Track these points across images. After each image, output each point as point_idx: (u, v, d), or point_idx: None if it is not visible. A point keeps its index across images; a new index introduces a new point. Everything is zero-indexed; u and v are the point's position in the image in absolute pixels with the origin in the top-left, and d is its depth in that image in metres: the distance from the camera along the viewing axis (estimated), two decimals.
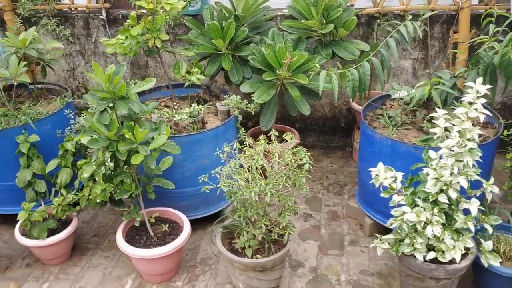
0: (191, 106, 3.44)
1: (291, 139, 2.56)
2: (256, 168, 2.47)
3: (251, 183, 2.38)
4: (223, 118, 3.26)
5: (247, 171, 2.45)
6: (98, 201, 2.73)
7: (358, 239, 3.29)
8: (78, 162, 2.85)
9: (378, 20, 3.74)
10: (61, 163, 3.06)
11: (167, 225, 2.96)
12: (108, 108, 2.53)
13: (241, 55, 3.42)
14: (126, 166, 2.70)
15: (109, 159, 2.64)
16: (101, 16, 4.10)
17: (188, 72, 3.22)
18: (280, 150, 2.50)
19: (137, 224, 2.89)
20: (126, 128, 2.45)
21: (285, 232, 2.54)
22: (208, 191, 2.56)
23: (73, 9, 4.18)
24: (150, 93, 3.68)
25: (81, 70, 4.40)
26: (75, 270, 3.07)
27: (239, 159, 2.53)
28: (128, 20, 3.17)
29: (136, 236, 2.94)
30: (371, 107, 3.36)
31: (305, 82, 3.14)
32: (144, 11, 3.12)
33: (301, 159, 2.44)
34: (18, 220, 3.18)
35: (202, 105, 3.47)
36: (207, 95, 3.66)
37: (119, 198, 2.78)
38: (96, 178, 2.73)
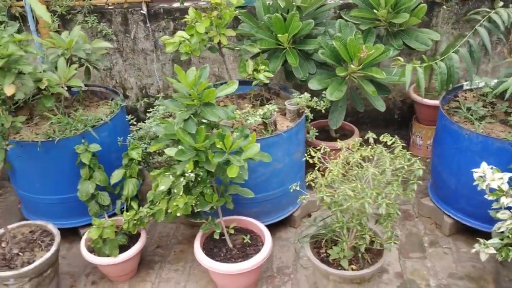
0: (253, 106, 3.23)
1: (394, 143, 2.37)
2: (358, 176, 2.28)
3: (359, 192, 2.19)
4: (293, 117, 3.06)
5: (354, 179, 2.26)
6: (178, 214, 2.53)
7: (437, 239, 3.13)
8: (152, 173, 2.64)
9: (444, 7, 3.53)
10: (126, 173, 2.84)
11: (248, 236, 2.77)
12: (192, 116, 2.32)
13: (305, 49, 3.20)
14: (208, 176, 2.50)
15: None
16: (141, 11, 3.85)
17: (255, 70, 3.00)
18: (385, 155, 2.31)
19: (217, 237, 2.70)
20: (217, 137, 2.24)
21: (390, 242, 2.37)
22: (304, 201, 2.37)
23: (110, 4, 3.91)
24: None
25: (119, 69, 4.15)
26: (146, 286, 2.88)
27: (339, 166, 2.33)
28: (187, 16, 2.94)
29: (214, 248, 2.75)
30: (444, 100, 3.18)
31: (382, 77, 2.94)
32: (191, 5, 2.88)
33: (411, 164, 2.26)
34: (81, 235, 2.99)
35: (265, 103, 3.27)
36: (266, 92, 3.45)
37: (198, 210, 2.58)
38: (175, 191, 2.52)
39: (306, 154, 2.52)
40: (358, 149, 2.42)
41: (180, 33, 2.91)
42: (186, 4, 3.77)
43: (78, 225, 3.16)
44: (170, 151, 2.30)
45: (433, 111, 3.69)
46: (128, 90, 4.22)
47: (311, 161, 2.51)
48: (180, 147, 2.29)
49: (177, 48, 2.90)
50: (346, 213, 2.33)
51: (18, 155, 2.84)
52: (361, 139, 2.61)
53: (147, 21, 3.88)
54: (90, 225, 3.13)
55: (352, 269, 2.49)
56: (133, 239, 2.87)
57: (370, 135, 2.44)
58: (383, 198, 2.16)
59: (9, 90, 2.09)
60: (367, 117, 4.20)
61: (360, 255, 2.53)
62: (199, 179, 2.52)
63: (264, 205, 3.03)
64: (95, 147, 2.85)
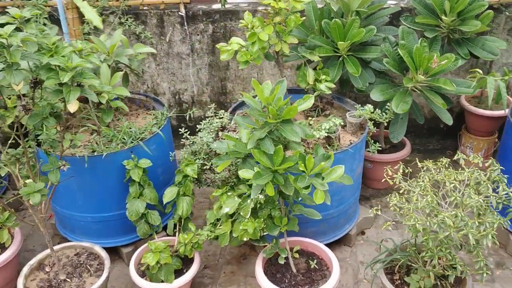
0: (306, 117, 3.03)
1: (490, 166, 2.18)
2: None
3: (457, 221, 2.00)
4: (354, 131, 2.86)
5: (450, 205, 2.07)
6: (245, 239, 2.32)
7: (503, 260, 2.95)
8: (214, 193, 2.43)
9: (507, 13, 3.34)
10: (180, 191, 2.63)
11: (315, 260, 2.57)
12: (268, 134, 2.11)
13: (364, 57, 3.00)
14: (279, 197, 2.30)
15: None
16: (179, 13, 3.62)
17: (316, 80, 2.79)
18: (484, 180, 2.12)
19: (281, 262, 2.49)
20: (299, 159, 2.03)
21: (482, 272, 2.18)
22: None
23: (145, 5, 3.68)
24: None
25: (151, 74, 3.92)
26: None
27: (427, 189, 2.14)
28: (242, 20, 2.72)
29: (277, 273, 2.55)
30: None
31: (451, 88, 2.74)
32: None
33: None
34: (122, 255, 2.78)
35: (320, 115, 3.07)
36: (317, 102, 3.24)
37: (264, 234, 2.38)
38: (241, 213, 2.32)
39: (385, 175, 2.33)
40: (446, 169, 2.22)
41: (235, 39, 2.70)
42: (227, 6, 3.55)
43: (119, 245, 2.94)
44: (245, 173, 2.09)
45: (487, 121, 3.52)
46: (160, 96, 4.00)
47: (391, 182, 2.32)
48: (256, 168, 2.07)
49: (232, 56, 2.68)
50: (436, 241, 2.14)
51: (60, 171, 2.60)
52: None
53: (185, 23, 3.65)
54: (130, 244, 2.95)
55: None
56: (185, 261, 2.65)
57: (461, 156, 2.24)
58: (487, 228, 1.96)
59: (73, 107, 1.87)
60: (410, 126, 3.99)
61: (438, 283, 2.35)
62: (267, 200, 2.31)
63: (323, 224, 2.84)
64: (145, 162, 2.63)
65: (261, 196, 2.25)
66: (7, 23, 1.84)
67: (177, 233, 2.66)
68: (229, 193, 2.43)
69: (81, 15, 3.50)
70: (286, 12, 2.64)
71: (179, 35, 3.74)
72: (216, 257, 3.07)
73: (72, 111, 1.88)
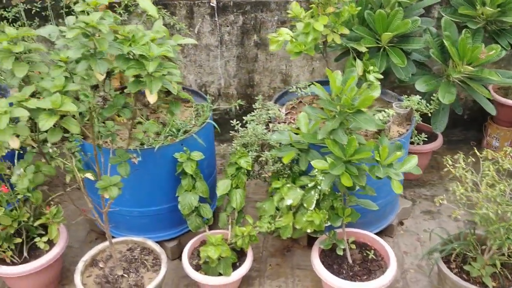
0: None
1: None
2: None
3: None
4: (400, 122, 2.87)
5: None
6: (309, 231, 2.31)
7: None
8: (273, 185, 2.41)
9: None
10: (233, 184, 2.60)
11: (372, 251, 2.58)
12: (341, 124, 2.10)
13: (406, 48, 3.01)
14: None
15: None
16: (210, 3, 3.56)
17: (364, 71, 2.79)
18: None
19: (340, 253, 2.49)
20: (374, 149, 2.03)
21: None
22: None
23: None
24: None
25: (178, 66, 3.85)
26: None
27: (495, 179, 2.16)
28: (289, 11, 2.71)
29: (333, 264, 2.55)
30: None
31: (497, 79, 2.78)
32: None
33: None
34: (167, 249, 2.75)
35: None
36: None
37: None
38: (305, 205, 2.30)
39: (447, 165, 2.34)
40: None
41: (284, 30, 2.68)
42: None
43: (163, 239, 2.89)
44: (318, 164, 2.07)
45: None
46: None
47: (453, 172, 2.34)
48: (329, 159, 2.06)
49: (281, 47, 2.66)
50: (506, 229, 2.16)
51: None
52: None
53: (215, 14, 3.61)
54: (174, 239, 2.91)
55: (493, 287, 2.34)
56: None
57: (509, 149, 2.27)
58: None
59: (153, 98, 1.82)
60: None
61: (497, 271, 2.38)
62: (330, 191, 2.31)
63: (370, 215, 2.84)
64: (198, 155, 2.59)
65: (326, 188, 2.24)
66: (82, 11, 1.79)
67: (229, 226, 2.63)
68: (288, 185, 2.41)
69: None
70: (336, 2, 2.63)
71: (208, 27, 3.68)
72: (260, 249, 3.05)
73: (151, 102, 1.83)
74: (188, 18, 3.66)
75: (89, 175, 2.21)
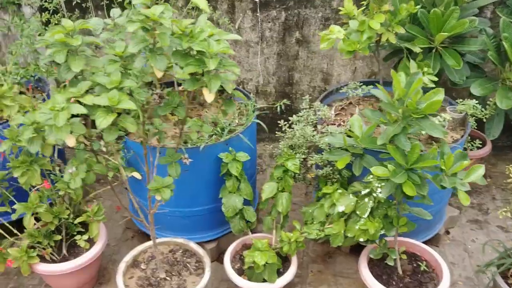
0: None
1: None
2: None
3: None
4: (454, 127, 2.74)
5: None
6: (361, 240, 2.21)
7: None
8: (324, 190, 2.31)
9: None
10: (279, 187, 2.50)
11: (424, 262, 2.46)
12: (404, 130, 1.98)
13: (461, 49, 2.86)
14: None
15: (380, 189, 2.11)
16: None
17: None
18: None
19: (391, 263, 2.37)
20: (440, 157, 1.91)
21: None
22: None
23: None
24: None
25: None
26: None
27: None
28: (341, 7, 2.59)
29: (382, 275, 2.43)
30: None
31: None
32: None
33: None
34: (212, 254, 2.66)
35: None
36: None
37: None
38: (358, 212, 2.19)
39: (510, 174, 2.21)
40: None
41: (335, 27, 2.56)
42: None
43: (202, 241, 2.81)
44: (378, 170, 1.96)
45: None
46: None
47: None
48: (390, 166, 1.95)
49: (332, 45, 2.55)
50: None
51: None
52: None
53: (258, 10, 3.50)
54: (213, 241, 2.84)
55: None
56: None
57: None
58: None
59: (211, 97, 1.73)
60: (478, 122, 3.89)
61: None
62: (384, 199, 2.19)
63: (419, 223, 2.71)
64: (243, 156, 2.50)
65: (382, 195, 2.12)
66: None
67: (274, 231, 2.54)
68: (339, 191, 2.31)
69: None
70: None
71: (249, 22, 3.59)
72: (300, 255, 2.95)
73: (209, 101, 1.74)
74: (229, 12, 3.56)
75: (135, 174, 2.13)
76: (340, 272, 2.81)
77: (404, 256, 2.43)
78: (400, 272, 2.43)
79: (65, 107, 1.51)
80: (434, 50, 2.88)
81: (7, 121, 2.72)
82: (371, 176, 2.15)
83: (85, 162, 1.75)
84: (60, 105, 1.50)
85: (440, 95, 2.08)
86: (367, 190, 2.16)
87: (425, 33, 2.86)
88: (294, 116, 2.66)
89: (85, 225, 2.62)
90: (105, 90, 1.63)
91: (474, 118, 2.70)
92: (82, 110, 1.54)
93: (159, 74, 1.66)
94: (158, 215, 2.66)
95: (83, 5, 3.37)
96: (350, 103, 2.92)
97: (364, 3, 2.67)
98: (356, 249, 2.72)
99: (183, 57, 1.73)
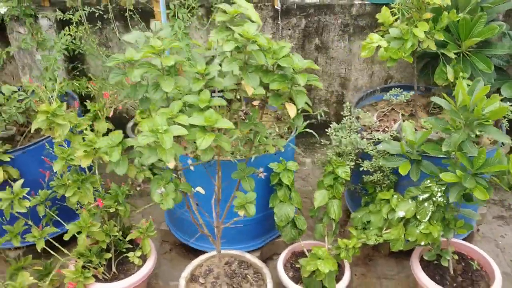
0: (410, 115, 2.98)
1: None
2: None
3: None
4: None
5: None
6: (422, 243, 2.26)
7: None
8: (381, 196, 2.35)
9: None
10: (329, 194, 2.53)
11: (475, 261, 2.54)
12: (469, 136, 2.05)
13: (488, 53, 2.96)
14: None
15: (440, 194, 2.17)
16: (275, 7, 3.48)
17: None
18: None
19: (445, 264, 2.44)
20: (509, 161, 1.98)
21: None
22: None
23: None
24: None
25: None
26: None
27: None
28: (378, 15, 2.65)
29: (435, 276, 2.50)
30: None
31: None
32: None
33: None
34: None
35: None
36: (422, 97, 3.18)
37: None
38: (418, 217, 2.25)
39: None
40: None
41: (374, 36, 2.61)
42: (328, 1, 3.46)
43: (247, 250, 2.81)
44: (447, 176, 2.02)
45: None
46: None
47: None
48: (458, 172, 2.01)
49: (372, 53, 2.60)
50: None
51: (198, 175, 2.45)
52: None
53: (279, 17, 3.52)
54: (256, 250, 2.84)
55: None
56: None
57: None
58: None
59: (294, 112, 1.74)
60: None
61: None
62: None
63: None
64: (293, 165, 2.52)
65: (441, 199, 2.19)
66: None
67: (326, 238, 2.57)
68: (396, 196, 2.36)
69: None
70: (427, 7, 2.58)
71: (269, 29, 3.60)
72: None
73: (292, 116, 1.76)
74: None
75: (199, 189, 2.12)
76: (383, 274, 2.87)
77: (455, 256, 2.51)
78: (452, 272, 2.50)
79: (168, 129, 1.49)
80: (461, 55, 2.97)
81: (49, 137, 2.65)
82: (428, 181, 2.22)
83: (172, 181, 1.73)
84: (162, 127, 1.49)
85: (497, 101, 2.16)
86: (427, 195, 2.22)
87: (453, 38, 2.94)
88: (333, 123, 2.70)
89: (131, 241, 2.58)
90: (198, 109, 1.62)
91: (506, 119, 2.80)
92: (183, 132, 1.52)
93: (251, 91, 1.66)
94: (207, 227, 2.66)
95: (105, 16, 3.31)
96: (393, 109, 2.98)
97: (395, 10, 2.74)
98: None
99: (265, 73, 1.73)
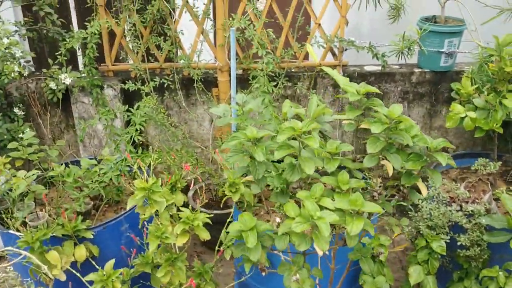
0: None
1: None
2: None
3: None
4: None
5: None
6: None
7: None
8: (484, 273, 2.26)
9: None
10: (424, 270, 2.43)
11: None
12: None
13: None
14: None
15: None
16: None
17: None
18: None
19: None
20: None
21: None
22: None
23: (300, 67, 3.56)
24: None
25: None
26: None
27: None
28: (459, 86, 2.67)
29: None
30: None
31: None
32: None
33: None
34: None
35: None
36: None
37: None
38: None
39: None
40: None
41: (458, 106, 2.62)
42: (388, 69, 3.51)
43: None
44: None
45: None
46: None
47: None
48: None
49: (457, 123, 2.60)
50: None
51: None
52: None
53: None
54: None
55: None
56: None
57: None
58: None
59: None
60: None
61: None
62: None
63: None
64: (386, 240, 2.43)
65: None
66: None
67: None
68: (501, 272, 2.27)
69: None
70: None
71: (329, 97, 3.62)
72: None
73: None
74: (311, 88, 3.59)
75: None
76: None
77: None
78: None
79: (321, 216, 1.43)
80: None
81: (126, 212, 2.58)
82: None
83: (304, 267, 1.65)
84: (316, 213, 1.43)
85: None
86: None
87: None
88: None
89: None
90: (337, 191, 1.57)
91: None
92: (335, 218, 1.46)
93: (391, 171, 1.62)
94: None
95: (165, 85, 3.32)
96: (480, 179, 2.94)
97: (469, 75, 2.77)
98: None
99: (399, 152, 1.70)
